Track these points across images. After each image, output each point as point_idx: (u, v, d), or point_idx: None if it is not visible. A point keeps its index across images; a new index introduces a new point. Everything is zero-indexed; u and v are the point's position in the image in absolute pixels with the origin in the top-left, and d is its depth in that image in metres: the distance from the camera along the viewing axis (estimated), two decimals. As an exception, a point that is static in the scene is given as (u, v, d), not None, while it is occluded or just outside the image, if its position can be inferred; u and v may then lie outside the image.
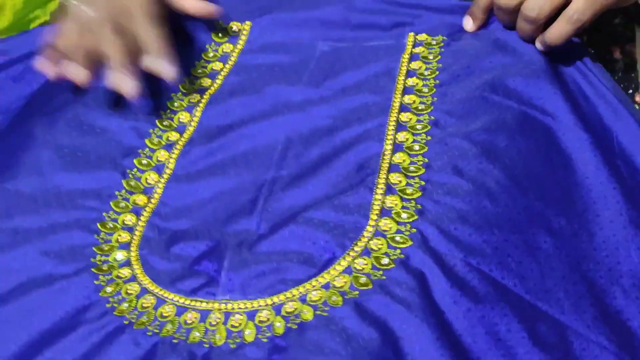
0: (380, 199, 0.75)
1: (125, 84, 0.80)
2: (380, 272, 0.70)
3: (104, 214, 0.79)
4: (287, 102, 0.83)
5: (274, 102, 0.83)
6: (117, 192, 0.81)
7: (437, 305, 0.67)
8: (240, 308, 0.70)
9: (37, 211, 0.78)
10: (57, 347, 0.69)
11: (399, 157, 0.78)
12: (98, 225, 0.78)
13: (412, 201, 0.74)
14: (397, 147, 0.78)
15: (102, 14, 0.82)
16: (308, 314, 0.69)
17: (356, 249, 0.72)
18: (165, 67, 0.80)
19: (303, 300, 0.70)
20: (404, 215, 0.73)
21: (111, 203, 0.80)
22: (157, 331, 0.69)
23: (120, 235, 0.78)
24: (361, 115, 0.81)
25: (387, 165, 0.77)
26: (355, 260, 0.71)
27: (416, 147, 0.78)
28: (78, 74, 0.83)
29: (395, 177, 0.76)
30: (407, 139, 0.79)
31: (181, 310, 0.71)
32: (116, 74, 0.81)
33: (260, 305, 0.70)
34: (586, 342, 0.69)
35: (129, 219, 0.79)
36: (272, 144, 0.80)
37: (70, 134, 0.83)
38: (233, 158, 0.81)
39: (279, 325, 0.68)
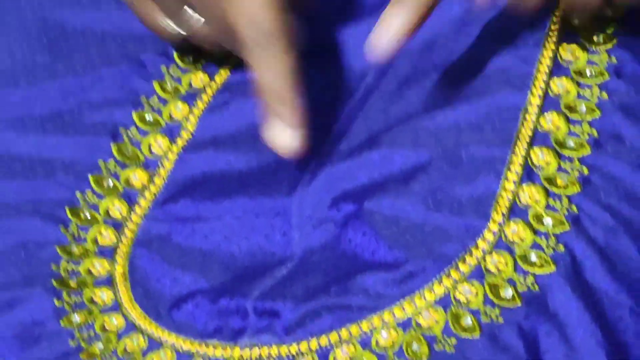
0: (511, 189, 0.62)
1: None
2: (497, 312, 0.57)
3: (77, 193, 0.67)
4: None
5: None
6: (101, 162, 0.68)
7: None
8: (271, 356, 0.59)
9: None
10: None
11: (551, 120, 0.64)
12: (67, 212, 0.66)
13: (565, 198, 0.61)
14: (548, 103, 0.65)
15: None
16: None
17: (462, 267, 0.59)
18: (288, 140, 0.62)
19: (365, 343, 0.58)
20: (547, 221, 0.61)
21: (90, 178, 0.67)
22: None
23: (100, 233, 0.66)
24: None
25: (530, 131, 0.63)
26: (459, 286, 0.59)
27: (582, 107, 0.64)
28: None
29: (539, 155, 0.63)
30: (569, 92, 0.65)
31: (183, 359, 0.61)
32: None
33: (299, 351, 0.59)
34: None
35: (117, 207, 0.67)
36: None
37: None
38: None
39: None
